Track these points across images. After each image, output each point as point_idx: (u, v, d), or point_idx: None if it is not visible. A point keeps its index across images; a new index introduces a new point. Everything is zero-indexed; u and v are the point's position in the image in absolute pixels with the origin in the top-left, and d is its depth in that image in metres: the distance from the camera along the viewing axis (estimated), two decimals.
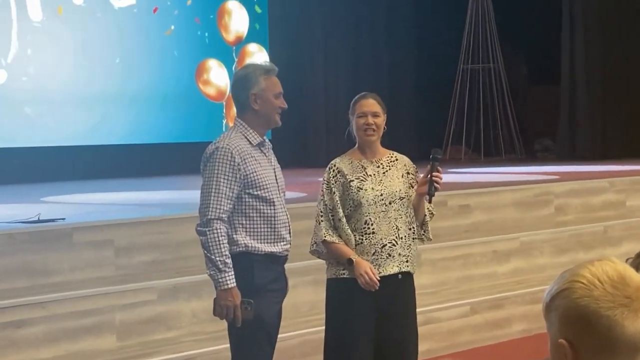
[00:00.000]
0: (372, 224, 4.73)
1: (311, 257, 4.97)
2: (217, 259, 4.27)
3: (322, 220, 4.73)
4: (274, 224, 4.46)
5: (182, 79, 12.09)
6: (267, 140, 4.59)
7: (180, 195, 9.00)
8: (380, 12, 13.94)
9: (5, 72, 10.53)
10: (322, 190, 4.79)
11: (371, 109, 4.90)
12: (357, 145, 4.92)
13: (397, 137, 13.89)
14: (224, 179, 4.32)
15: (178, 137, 11.93)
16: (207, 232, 4.30)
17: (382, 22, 14.02)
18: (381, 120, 4.88)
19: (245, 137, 4.44)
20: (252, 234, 4.39)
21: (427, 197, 4.76)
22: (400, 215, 4.79)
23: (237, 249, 4.36)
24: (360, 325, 4.68)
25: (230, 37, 12.65)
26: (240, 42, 12.74)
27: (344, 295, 4.73)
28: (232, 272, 4.28)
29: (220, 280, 4.27)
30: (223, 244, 4.29)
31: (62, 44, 11.02)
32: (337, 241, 4.70)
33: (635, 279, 1.87)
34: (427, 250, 7.54)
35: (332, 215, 4.74)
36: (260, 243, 4.39)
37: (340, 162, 4.85)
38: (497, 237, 8.12)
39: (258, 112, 4.45)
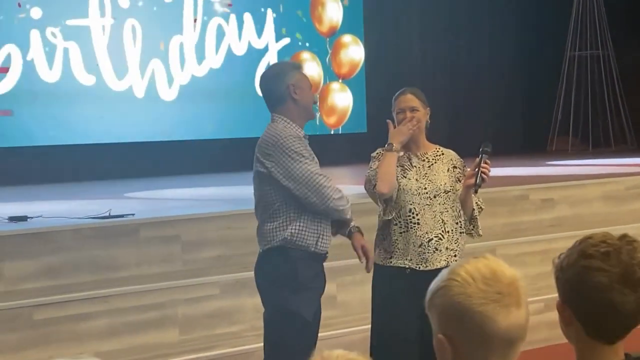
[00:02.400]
0: (416, 214, 4.84)
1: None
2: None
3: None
4: (321, 221, 4.65)
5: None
6: (307, 136, 4.76)
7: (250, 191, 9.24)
8: None
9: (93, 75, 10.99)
10: (370, 172, 4.88)
11: (409, 104, 5.03)
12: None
13: (504, 129, 13.95)
14: (311, 160, 4.54)
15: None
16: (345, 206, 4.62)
17: (483, 9, 14.02)
18: (421, 114, 5.00)
19: (293, 129, 4.64)
20: (299, 230, 4.58)
21: (474, 189, 4.86)
22: (446, 208, 4.90)
23: (281, 239, 4.55)
24: (406, 316, 4.76)
25: (324, 28, 12.86)
26: (335, 34, 12.94)
27: (390, 283, 4.86)
28: None
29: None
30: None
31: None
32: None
33: (508, 275, 2.02)
34: (504, 246, 7.61)
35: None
36: (305, 240, 4.57)
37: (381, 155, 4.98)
38: (582, 232, 8.09)
39: (298, 102, 4.63)
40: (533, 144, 14.09)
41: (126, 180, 10.36)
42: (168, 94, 11.49)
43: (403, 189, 4.85)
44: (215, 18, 11.88)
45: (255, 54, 12.13)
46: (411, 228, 4.84)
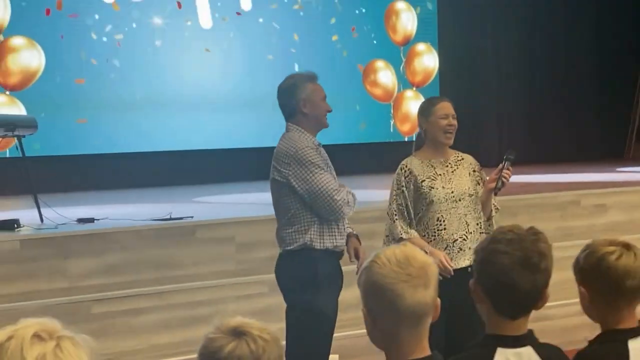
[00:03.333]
0: (443, 221, 5.17)
1: None
2: None
3: (396, 219, 5.19)
4: (338, 222, 5.03)
5: (352, 80, 12.75)
6: (320, 144, 5.14)
7: None
8: (557, 5, 14.09)
9: (181, 81, 11.56)
10: (394, 191, 5.28)
11: (452, 112, 5.37)
12: (426, 146, 5.36)
13: (581, 137, 14.10)
14: (325, 169, 4.93)
15: (344, 138, 12.57)
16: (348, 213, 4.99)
17: (558, 17, 14.17)
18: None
19: (307, 139, 4.99)
20: (317, 233, 4.95)
21: (494, 191, 5.22)
22: (469, 211, 5.24)
23: (301, 243, 4.94)
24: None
25: (398, 37, 13.23)
26: (409, 42, 13.30)
27: None
28: None
29: None
30: None
31: (227, 50, 11.94)
32: (413, 237, 5.18)
33: (419, 260, 2.42)
34: (555, 249, 7.85)
35: (406, 213, 5.24)
36: (323, 242, 4.95)
37: (410, 163, 5.28)
38: (636, 236, 8.31)
39: (308, 116, 4.99)
40: (611, 151, 14.20)
41: (202, 186, 10.86)
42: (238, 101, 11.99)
43: (432, 200, 5.17)
44: None
45: None
46: (438, 235, 5.17)
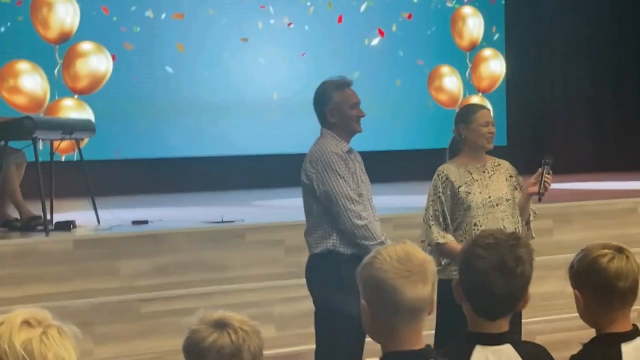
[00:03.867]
0: (480, 226, 5.26)
1: None
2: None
3: (432, 224, 5.26)
4: None
5: (416, 85, 12.82)
6: (353, 150, 5.25)
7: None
8: (627, 5, 13.97)
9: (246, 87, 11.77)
10: (431, 197, 5.34)
11: (492, 120, 5.47)
12: (464, 152, 5.43)
13: None
14: (345, 179, 5.04)
15: (408, 144, 12.66)
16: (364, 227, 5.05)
17: (628, 27, 14.03)
18: None
19: (337, 145, 5.13)
20: (340, 239, 5.05)
21: (538, 196, 5.30)
22: (506, 216, 5.31)
23: (325, 248, 5.05)
24: None
25: (464, 42, 13.26)
26: (475, 48, 13.31)
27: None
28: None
29: None
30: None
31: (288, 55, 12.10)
32: (449, 242, 5.26)
33: (419, 258, 2.54)
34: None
35: (442, 219, 5.31)
36: (346, 247, 5.04)
37: (447, 170, 5.38)
38: None
39: (336, 125, 5.14)
40: None
41: (258, 191, 11.01)
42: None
43: (470, 206, 5.26)
44: None
45: None
46: None
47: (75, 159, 10.44)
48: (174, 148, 11.45)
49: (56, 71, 11.04)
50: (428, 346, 2.58)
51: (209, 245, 7.00)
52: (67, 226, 7.11)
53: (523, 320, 5.34)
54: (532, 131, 13.44)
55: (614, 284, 2.93)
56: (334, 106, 5.12)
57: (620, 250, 2.99)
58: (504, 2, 13.39)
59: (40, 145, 7.19)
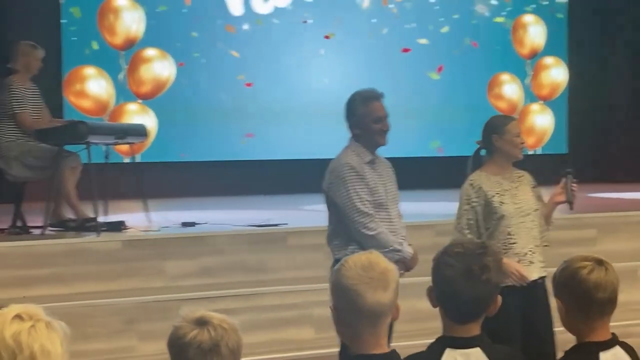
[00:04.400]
0: (514, 235, 5.42)
1: None
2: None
3: (467, 233, 5.38)
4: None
5: (477, 91, 12.95)
6: (380, 158, 5.45)
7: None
8: None
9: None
10: (464, 206, 5.42)
11: (520, 130, 5.64)
12: (493, 162, 5.56)
13: None
14: (355, 189, 5.26)
15: (459, 150, 12.74)
16: (372, 237, 5.25)
17: None
18: None
19: (358, 155, 5.34)
20: (357, 248, 5.18)
21: (569, 205, 5.51)
22: (535, 225, 5.48)
23: (346, 254, 5.24)
24: (511, 327, 5.30)
25: (525, 50, 13.34)
26: (536, 56, 13.38)
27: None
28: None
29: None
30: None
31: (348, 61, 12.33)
32: None
33: (382, 266, 2.77)
34: None
35: (476, 228, 5.46)
36: (365, 249, 5.25)
37: (479, 179, 5.48)
38: None
39: (359, 136, 5.35)
40: None
41: (305, 195, 11.22)
42: None
43: (504, 215, 5.41)
44: None
45: None
46: (510, 249, 5.40)
47: (131, 161, 10.88)
48: (228, 152, 11.75)
49: (121, 76, 11.43)
50: (393, 350, 2.80)
51: (252, 247, 7.27)
52: (118, 226, 7.44)
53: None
54: (593, 139, 13.46)
55: (593, 294, 3.10)
56: (358, 118, 5.33)
57: (600, 263, 3.17)
58: (565, 11, 13.43)
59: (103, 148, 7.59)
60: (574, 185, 5.50)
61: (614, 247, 8.11)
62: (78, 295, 6.68)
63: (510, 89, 13.21)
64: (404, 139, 12.01)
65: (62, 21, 11.14)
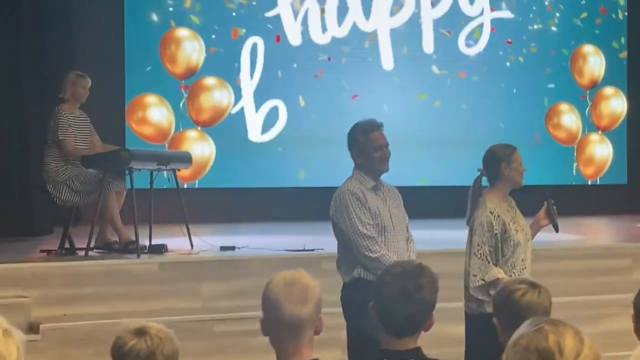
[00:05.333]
0: (525, 260, 5.63)
1: None
2: None
3: (490, 260, 5.51)
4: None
5: (532, 122, 13.06)
6: (384, 185, 5.69)
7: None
8: None
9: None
10: (486, 232, 5.53)
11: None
12: (499, 189, 5.71)
13: None
14: (357, 214, 5.50)
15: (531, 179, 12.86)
16: (375, 259, 5.48)
17: None
18: None
19: (361, 183, 5.59)
20: (363, 270, 5.49)
21: (555, 227, 5.80)
22: (530, 249, 5.71)
23: (353, 277, 5.51)
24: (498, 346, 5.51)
25: (584, 80, 13.41)
26: (595, 86, 13.45)
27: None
28: None
29: None
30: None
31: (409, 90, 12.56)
32: (503, 277, 5.41)
33: (303, 282, 3.04)
34: None
35: (494, 255, 5.55)
36: (368, 277, 5.42)
37: (496, 206, 5.61)
38: None
39: (361, 165, 5.61)
40: None
41: None
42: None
43: (519, 242, 5.60)
44: None
45: None
46: (522, 274, 5.58)
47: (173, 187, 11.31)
48: (276, 178, 12.06)
49: (181, 104, 11.84)
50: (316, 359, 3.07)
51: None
52: (159, 249, 7.78)
53: None
54: None
55: (525, 314, 3.32)
56: (359, 148, 5.60)
57: (534, 286, 3.47)
58: (624, 41, 13.50)
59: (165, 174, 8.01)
60: (554, 208, 5.74)
61: None
62: (115, 315, 7.01)
63: (569, 118, 13.30)
64: (457, 168, 12.22)
65: (125, 50, 11.59)
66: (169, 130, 11.80)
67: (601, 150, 13.49)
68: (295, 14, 12.20)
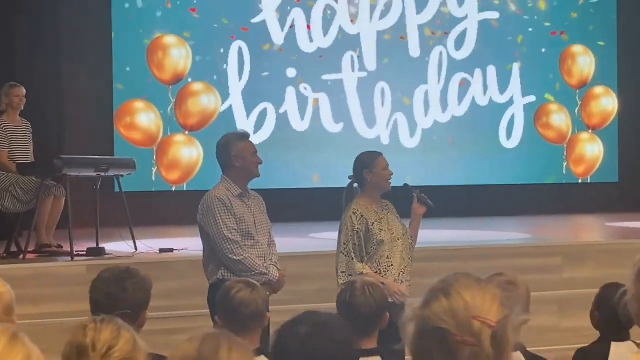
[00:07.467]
0: (390, 258, 5.85)
1: None
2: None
3: (354, 257, 5.76)
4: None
5: (525, 122, 13.04)
6: (251, 192, 5.86)
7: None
8: None
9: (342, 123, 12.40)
10: (349, 232, 5.78)
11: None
12: (366, 194, 5.93)
13: None
14: (223, 219, 5.69)
15: (517, 178, 12.90)
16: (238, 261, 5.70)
17: None
18: None
19: (228, 190, 5.78)
20: (226, 266, 5.70)
21: (430, 206, 6.04)
22: (404, 248, 5.93)
23: (217, 279, 5.69)
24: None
25: (573, 81, 13.31)
26: (585, 86, 13.35)
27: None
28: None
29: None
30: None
31: None
32: (367, 272, 5.69)
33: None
34: None
35: (359, 252, 5.80)
36: (234, 274, 5.63)
37: (360, 208, 5.86)
38: None
39: (239, 169, 5.82)
40: None
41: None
42: (410, 142, 12.60)
43: (383, 240, 5.85)
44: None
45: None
46: (388, 271, 5.85)
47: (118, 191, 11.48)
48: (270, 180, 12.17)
49: (169, 109, 12.07)
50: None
51: None
52: (99, 252, 8.01)
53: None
54: None
55: (238, 310, 3.92)
56: (238, 152, 5.84)
57: (249, 285, 3.98)
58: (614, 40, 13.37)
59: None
60: (422, 194, 6.02)
61: (579, 275, 8.25)
62: (43, 315, 7.25)
63: (557, 119, 13.23)
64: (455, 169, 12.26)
65: (113, 57, 11.84)
66: (157, 135, 12.03)
67: (592, 149, 13.39)
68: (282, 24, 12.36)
